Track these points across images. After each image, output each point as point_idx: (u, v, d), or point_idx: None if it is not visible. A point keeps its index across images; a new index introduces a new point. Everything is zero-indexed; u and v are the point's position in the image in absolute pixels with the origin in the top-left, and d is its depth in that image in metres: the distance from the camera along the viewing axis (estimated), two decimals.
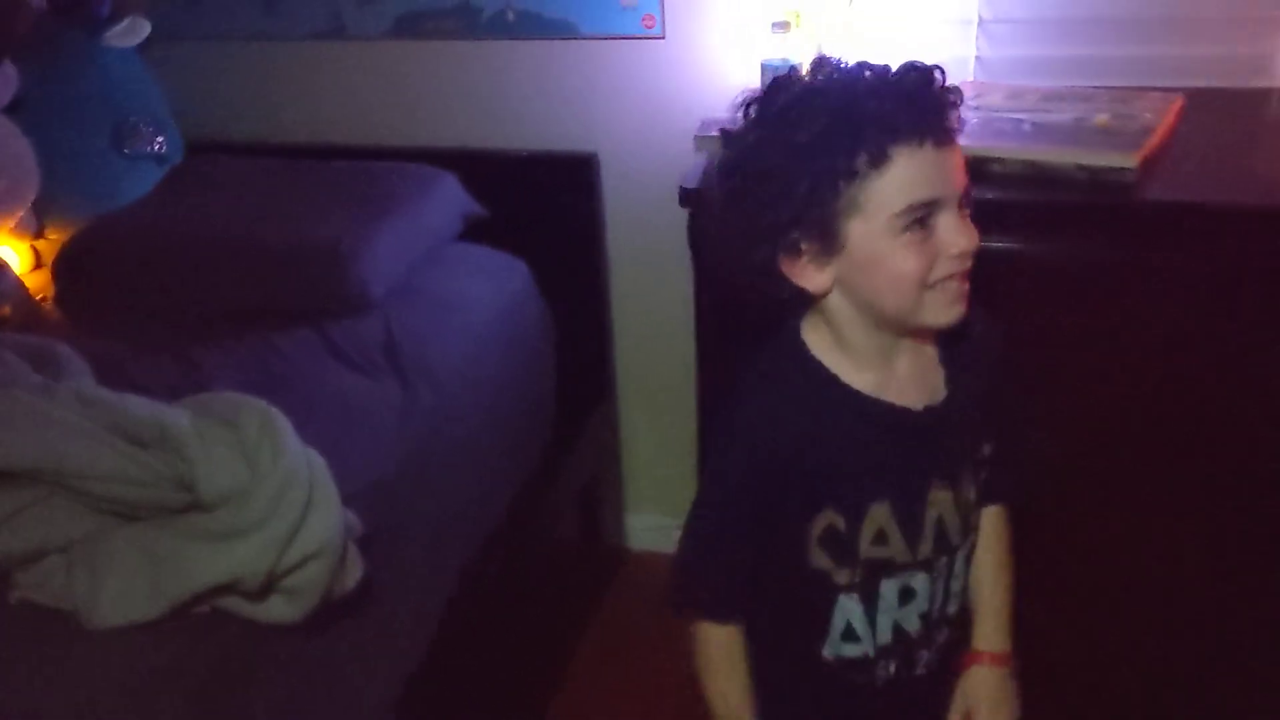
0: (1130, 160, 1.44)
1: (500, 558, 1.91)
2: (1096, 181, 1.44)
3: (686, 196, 1.60)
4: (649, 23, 2.11)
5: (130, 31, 2.20)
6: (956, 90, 1.03)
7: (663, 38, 2.11)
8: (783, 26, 1.76)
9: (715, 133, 1.66)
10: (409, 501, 1.63)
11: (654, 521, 2.50)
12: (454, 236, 2.17)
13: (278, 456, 1.26)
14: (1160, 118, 1.58)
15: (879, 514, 1.11)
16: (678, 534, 2.31)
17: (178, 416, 1.30)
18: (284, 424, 1.29)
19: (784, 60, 1.74)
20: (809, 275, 1.05)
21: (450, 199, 2.16)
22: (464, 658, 1.79)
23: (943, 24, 1.92)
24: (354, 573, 1.35)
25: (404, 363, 1.80)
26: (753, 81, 1.89)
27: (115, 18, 2.20)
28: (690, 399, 1.94)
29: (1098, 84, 1.77)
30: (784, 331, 1.13)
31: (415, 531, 1.63)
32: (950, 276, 1.03)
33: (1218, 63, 1.83)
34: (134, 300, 1.94)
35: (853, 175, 0.98)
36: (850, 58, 1.04)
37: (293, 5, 2.28)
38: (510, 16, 2.18)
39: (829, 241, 1.02)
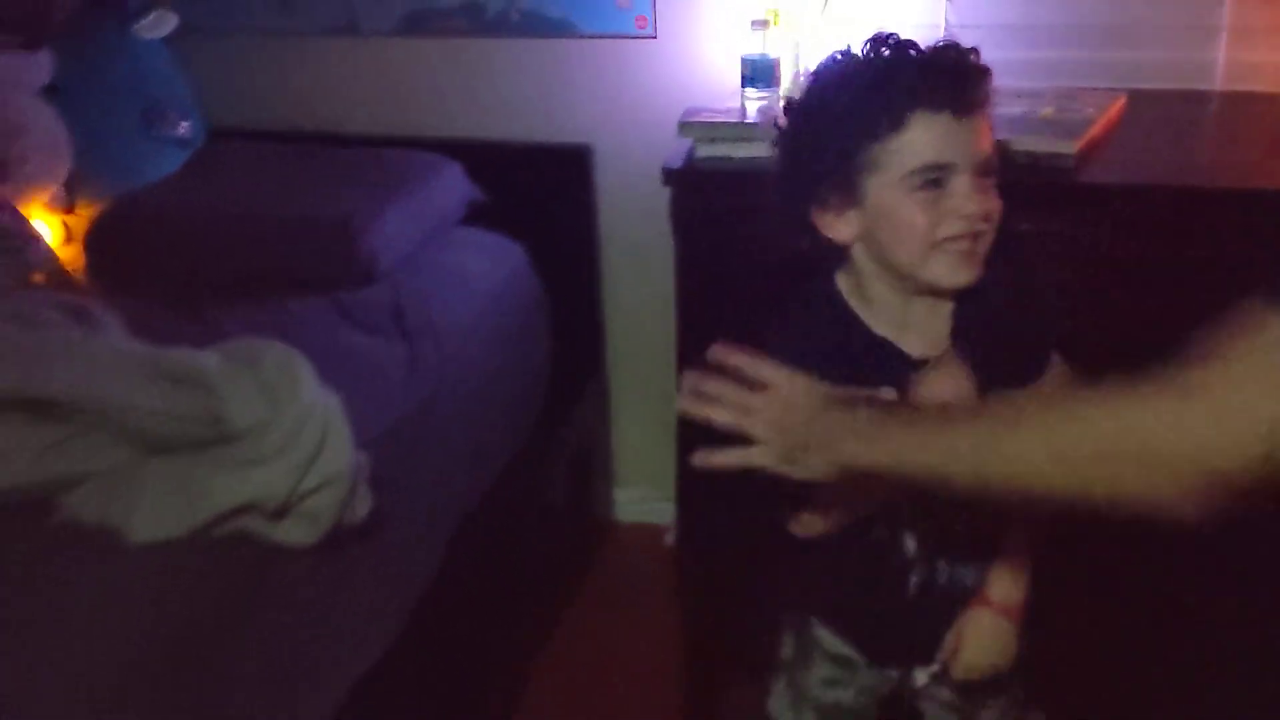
0: (1069, 147, 1.59)
1: (496, 512, 2.06)
2: (1038, 165, 1.59)
3: (669, 176, 1.75)
4: (642, 23, 2.27)
5: (159, 24, 2.36)
6: (985, 69, 1.15)
7: (654, 37, 2.27)
8: (762, 25, 1.91)
9: (698, 120, 1.83)
10: (414, 448, 1.78)
11: (641, 494, 2.64)
12: (457, 220, 2.32)
13: (296, 392, 1.41)
14: (1102, 113, 1.73)
15: None
16: (663, 507, 2.47)
17: (206, 358, 1.45)
18: (303, 364, 1.44)
19: (763, 55, 1.89)
20: (835, 226, 1.19)
21: (454, 184, 2.31)
22: (458, 608, 1.93)
23: (912, 28, 2.07)
24: (364, 505, 1.50)
25: (409, 327, 1.95)
26: (735, 76, 2.05)
27: (145, 10, 2.35)
28: (673, 379, 2.08)
29: (1051, 84, 1.93)
30: (819, 280, 1.26)
31: (420, 475, 1.78)
32: (959, 237, 1.14)
33: (1162, 66, 1.99)
34: (159, 270, 2.09)
35: (875, 136, 1.12)
36: (900, 33, 1.17)
37: (308, 2, 2.44)
38: (514, 15, 2.34)
39: (850, 194, 1.16)
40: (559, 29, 2.33)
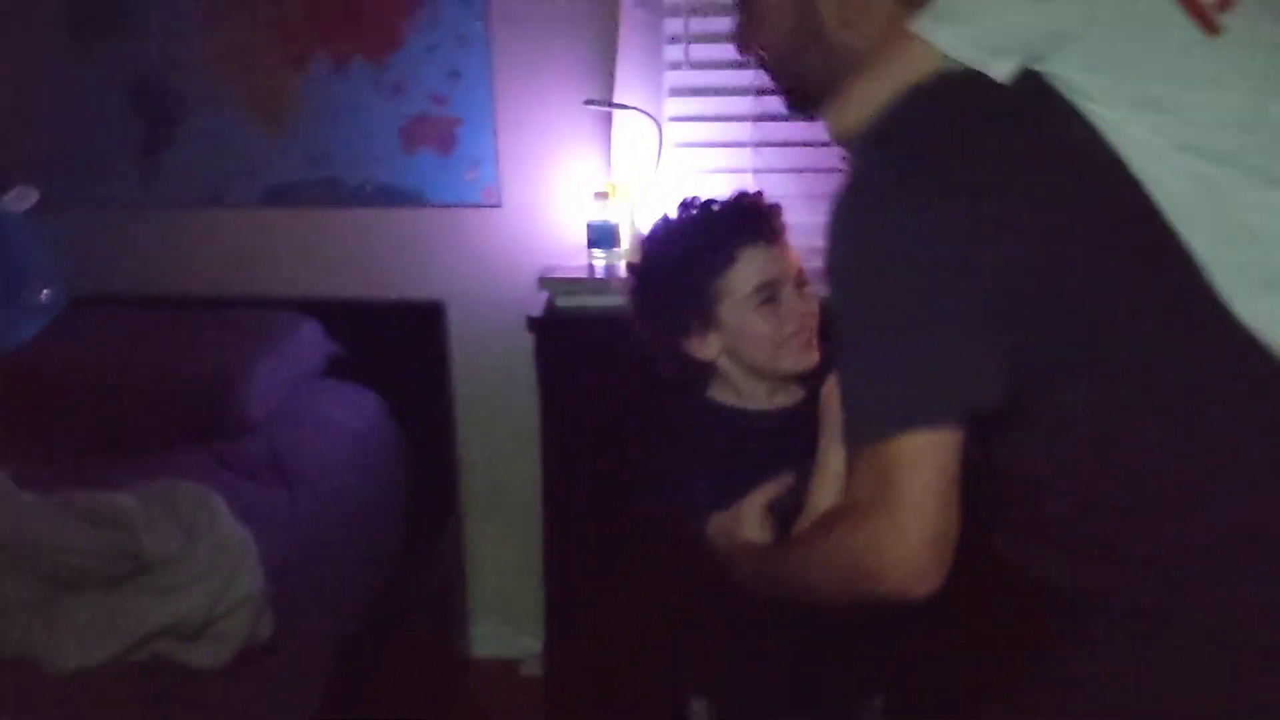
0: None
1: (368, 652, 2.18)
2: None
3: (533, 324, 1.99)
4: (488, 194, 2.54)
5: (20, 199, 2.48)
6: (776, 205, 1.46)
7: (499, 205, 2.54)
8: (603, 195, 2.21)
9: (556, 275, 2.09)
10: (297, 584, 1.90)
11: (497, 629, 2.78)
12: (318, 373, 2.49)
13: (214, 524, 1.55)
14: None
15: None
16: (520, 641, 2.62)
17: (121, 498, 1.57)
18: (218, 500, 1.58)
19: (604, 221, 2.19)
20: (700, 348, 1.44)
21: (314, 340, 2.49)
22: None
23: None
24: (268, 627, 1.62)
25: (287, 472, 2.09)
26: (571, 239, 2.35)
27: (6, 185, 2.47)
28: (530, 516, 2.29)
29: None
30: (692, 398, 1.50)
31: (304, 609, 1.89)
32: (797, 332, 1.42)
33: None
34: (33, 432, 2.16)
35: (715, 273, 1.41)
36: (702, 195, 1.47)
37: (172, 176, 2.61)
38: (369, 188, 2.58)
39: (707, 321, 1.43)
40: (411, 199, 2.57)
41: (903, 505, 0.98)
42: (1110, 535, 1.02)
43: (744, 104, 2.38)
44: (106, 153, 2.62)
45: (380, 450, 2.49)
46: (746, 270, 1.41)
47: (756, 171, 2.41)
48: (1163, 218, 1.01)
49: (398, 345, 2.59)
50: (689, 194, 1.50)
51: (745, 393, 1.49)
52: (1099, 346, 1.00)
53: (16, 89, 2.62)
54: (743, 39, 1.23)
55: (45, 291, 2.48)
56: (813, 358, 1.45)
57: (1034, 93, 1.05)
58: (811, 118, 1.21)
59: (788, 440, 1.41)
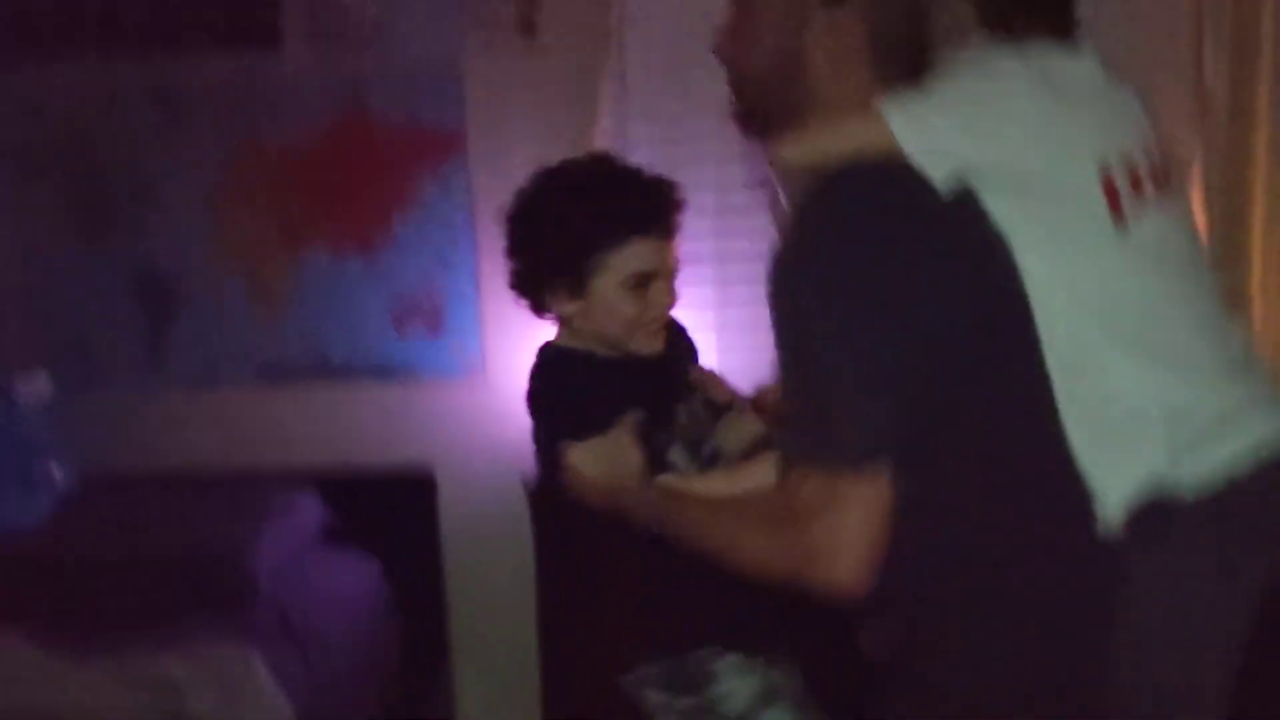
0: None
1: None
2: None
3: (530, 497, 2.16)
4: (472, 365, 2.74)
5: (33, 384, 2.64)
6: (681, 201, 1.53)
7: (486, 377, 2.74)
8: None
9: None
10: None
11: None
12: (317, 540, 2.63)
13: (253, 684, 1.69)
14: None
15: None
16: None
17: (163, 660, 1.71)
18: (257, 661, 1.73)
19: None
20: (559, 304, 1.51)
21: (311, 510, 2.65)
22: None
23: None
24: None
25: (297, 634, 2.23)
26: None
27: (18, 372, 2.64)
28: (521, 670, 2.42)
29: None
30: (550, 364, 1.58)
31: None
32: (654, 320, 1.52)
33: None
34: (55, 606, 2.27)
35: (600, 248, 1.46)
36: (617, 158, 1.55)
37: (171, 359, 2.79)
38: (358, 364, 2.78)
39: (576, 287, 1.48)
40: (399, 375, 2.77)
41: (849, 527, 1.12)
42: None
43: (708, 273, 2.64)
44: (111, 339, 2.81)
45: (377, 611, 2.63)
46: (631, 256, 1.47)
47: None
48: (1040, 353, 1.21)
49: (391, 511, 2.75)
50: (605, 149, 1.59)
51: (589, 346, 1.56)
52: (943, 440, 1.16)
53: (26, 281, 2.81)
54: (724, 49, 1.29)
55: (58, 473, 2.62)
56: (659, 345, 1.54)
57: (968, 205, 1.21)
58: (751, 136, 1.32)
59: (636, 381, 1.50)
